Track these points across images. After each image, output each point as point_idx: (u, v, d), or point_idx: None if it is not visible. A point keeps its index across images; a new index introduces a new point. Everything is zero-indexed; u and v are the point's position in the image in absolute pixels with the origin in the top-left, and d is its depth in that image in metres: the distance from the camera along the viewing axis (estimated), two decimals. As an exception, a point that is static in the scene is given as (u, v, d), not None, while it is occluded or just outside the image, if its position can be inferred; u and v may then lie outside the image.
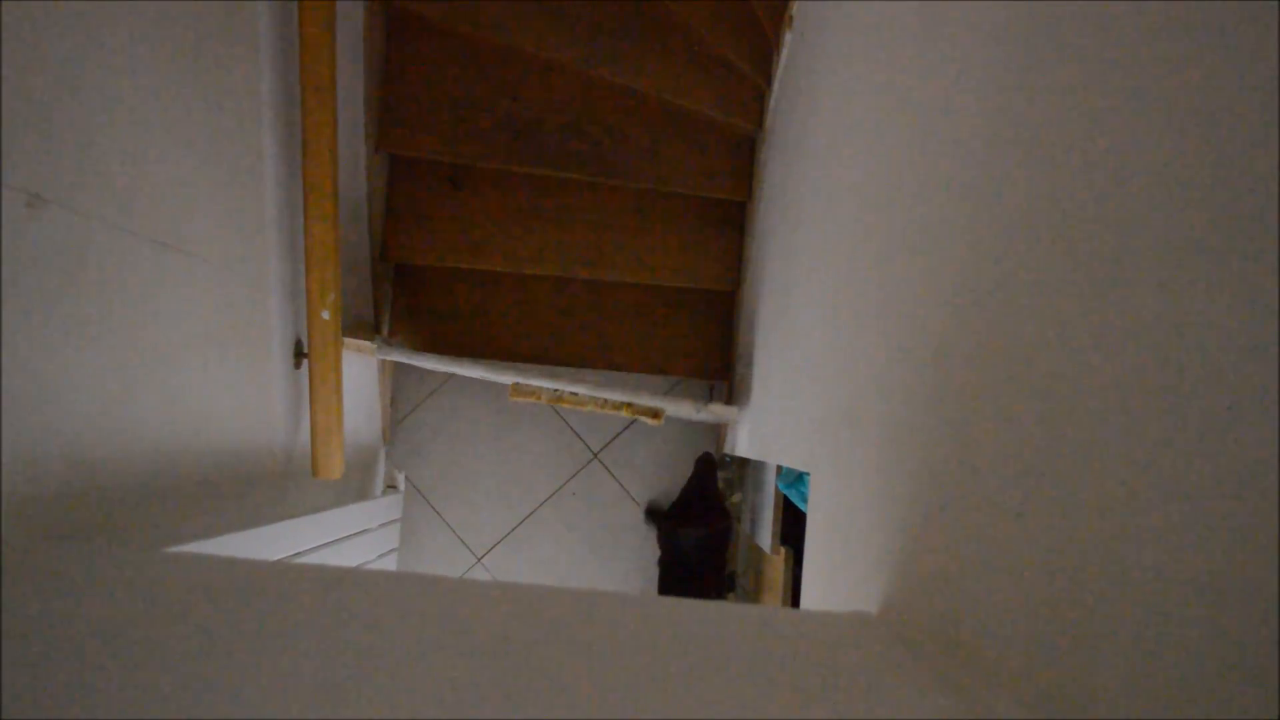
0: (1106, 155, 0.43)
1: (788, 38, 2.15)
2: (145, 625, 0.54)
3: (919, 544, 0.66)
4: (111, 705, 0.44)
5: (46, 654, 0.49)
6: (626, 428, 3.09)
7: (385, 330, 2.82)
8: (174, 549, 1.33)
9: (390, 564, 2.80)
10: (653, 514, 2.82)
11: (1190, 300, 0.35)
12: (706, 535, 2.61)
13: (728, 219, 2.79)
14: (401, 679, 0.49)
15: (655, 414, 2.43)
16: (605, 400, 2.37)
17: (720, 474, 2.88)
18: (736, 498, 2.91)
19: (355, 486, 2.68)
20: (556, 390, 2.34)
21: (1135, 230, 0.39)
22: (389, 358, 2.36)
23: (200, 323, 1.51)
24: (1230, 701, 0.31)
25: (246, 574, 0.67)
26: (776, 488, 2.19)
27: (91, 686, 0.46)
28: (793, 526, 2.20)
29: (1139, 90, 0.41)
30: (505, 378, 2.28)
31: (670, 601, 0.73)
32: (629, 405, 2.40)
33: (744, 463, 2.83)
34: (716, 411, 2.41)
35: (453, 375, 2.84)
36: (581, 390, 2.31)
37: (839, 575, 0.94)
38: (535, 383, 2.28)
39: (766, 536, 2.28)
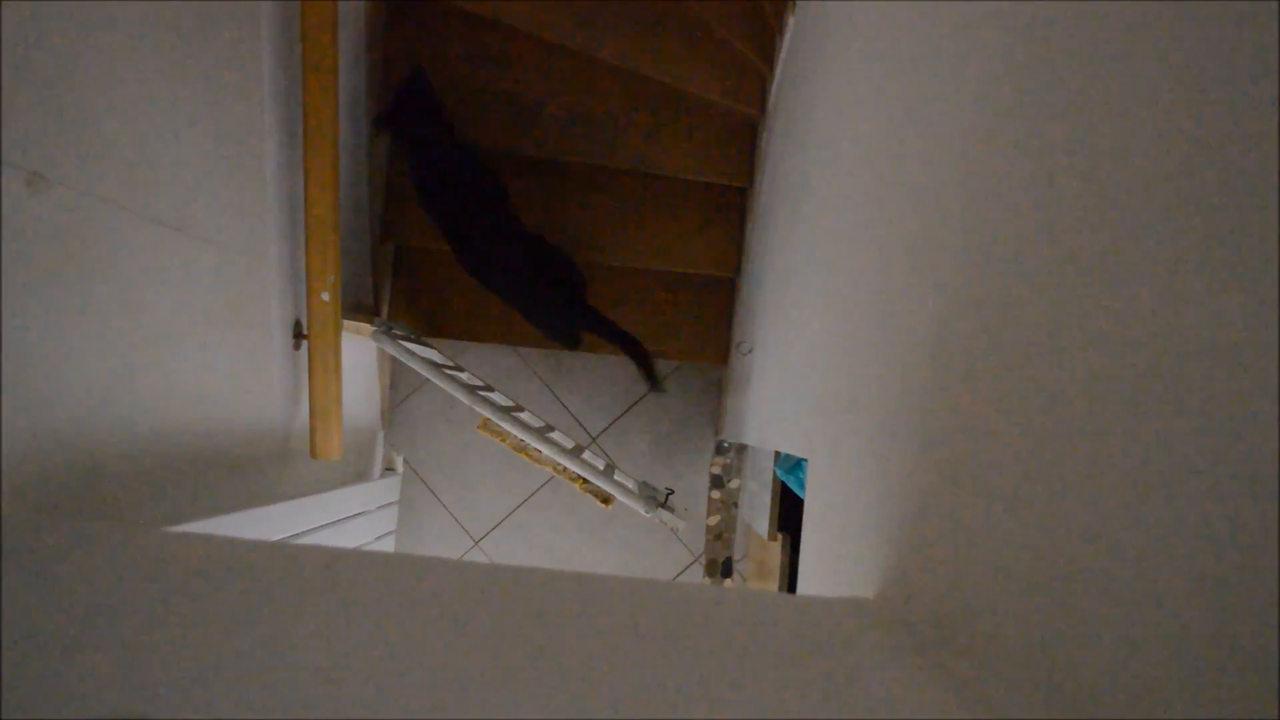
0: (1106, 141, 0.43)
1: (790, 21, 2.14)
2: (146, 604, 0.55)
3: (916, 530, 0.66)
4: (111, 683, 0.44)
5: (47, 631, 0.49)
6: (625, 412, 3.09)
7: (385, 312, 2.81)
8: (174, 528, 1.33)
9: (388, 546, 2.81)
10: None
11: (1189, 291, 0.35)
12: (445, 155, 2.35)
13: (728, 204, 2.79)
14: (401, 661, 0.49)
15: (606, 499, 2.42)
16: (564, 468, 2.35)
17: (718, 459, 2.88)
18: (734, 484, 2.91)
19: (353, 468, 2.68)
20: (522, 441, 2.32)
21: (1135, 218, 0.39)
22: (382, 346, 2.35)
23: (200, 303, 1.51)
24: (1228, 692, 0.31)
25: (247, 554, 0.68)
26: (774, 474, 2.20)
27: (91, 664, 0.46)
28: (790, 513, 2.20)
29: (1140, 81, 0.41)
30: (481, 408, 2.24)
31: (665, 585, 0.73)
32: (583, 482, 2.38)
33: (743, 449, 2.83)
34: (665, 518, 2.38)
35: (456, 356, 2.84)
36: (546, 450, 2.28)
37: (836, 561, 0.94)
38: (506, 426, 2.25)
39: (764, 522, 2.29)
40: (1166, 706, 0.34)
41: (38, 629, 0.49)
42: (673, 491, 2.54)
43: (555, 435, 2.34)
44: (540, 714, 0.45)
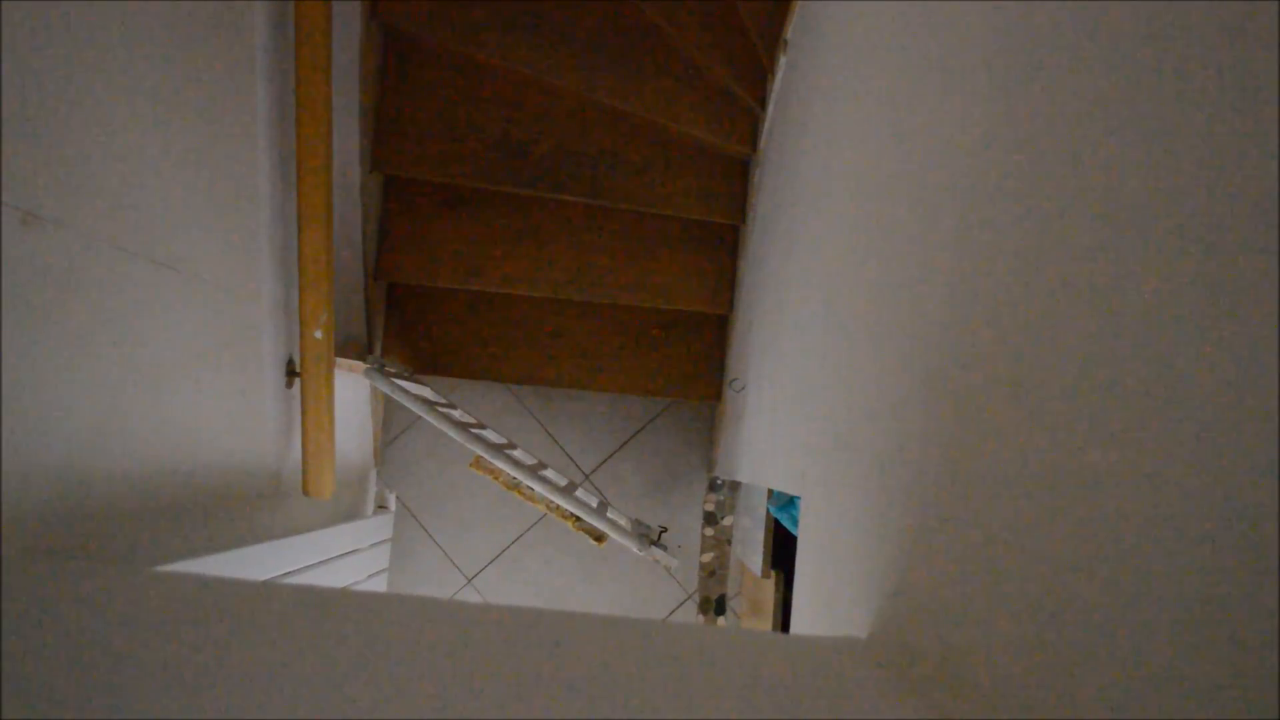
0: (1103, 170, 0.43)
1: (782, 61, 2.16)
2: (134, 645, 0.54)
3: (910, 568, 0.66)
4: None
5: (36, 673, 0.48)
6: (618, 449, 3.08)
7: (378, 350, 2.82)
8: (163, 568, 1.32)
9: (380, 584, 2.79)
10: None
11: (1187, 333, 0.35)
12: None
13: (721, 242, 2.81)
14: (393, 701, 0.49)
15: (599, 538, 2.42)
16: (557, 506, 2.36)
17: (712, 496, 2.88)
18: (728, 521, 2.90)
19: (346, 506, 2.67)
20: (515, 480, 2.33)
21: (1131, 252, 0.40)
22: (375, 384, 2.35)
23: (193, 341, 1.51)
24: None
25: (235, 594, 0.67)
26: (767, 511, 2.19)
27: (79, 706, 0.46)
28: (783, 549, 2.20)
29: (1140, 104, 0.41)
30: (474, 446, 2.24)
31: (658, 625, 0.73)
32: (576, 520, 2.38)
33: (736, 486, 2.83)
34: (659, 557, 2.38)
35: (450, 393, 2.84)
36: (539, 488, 2.28)
37: (830, 599, 0.94)
38: (499, 464, 2.25)
39: (757, 559, 2.28)
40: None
41: (28, 669, 0.49)
42: (666, 529, 2.52)
43: (548, 473, 2.34)
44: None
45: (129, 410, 1.31)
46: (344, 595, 0.68)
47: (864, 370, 0.88)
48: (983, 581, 0.52)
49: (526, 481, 2.26)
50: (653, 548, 2.34)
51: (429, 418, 2.22)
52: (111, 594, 0.65)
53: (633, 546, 2.33)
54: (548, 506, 2.42)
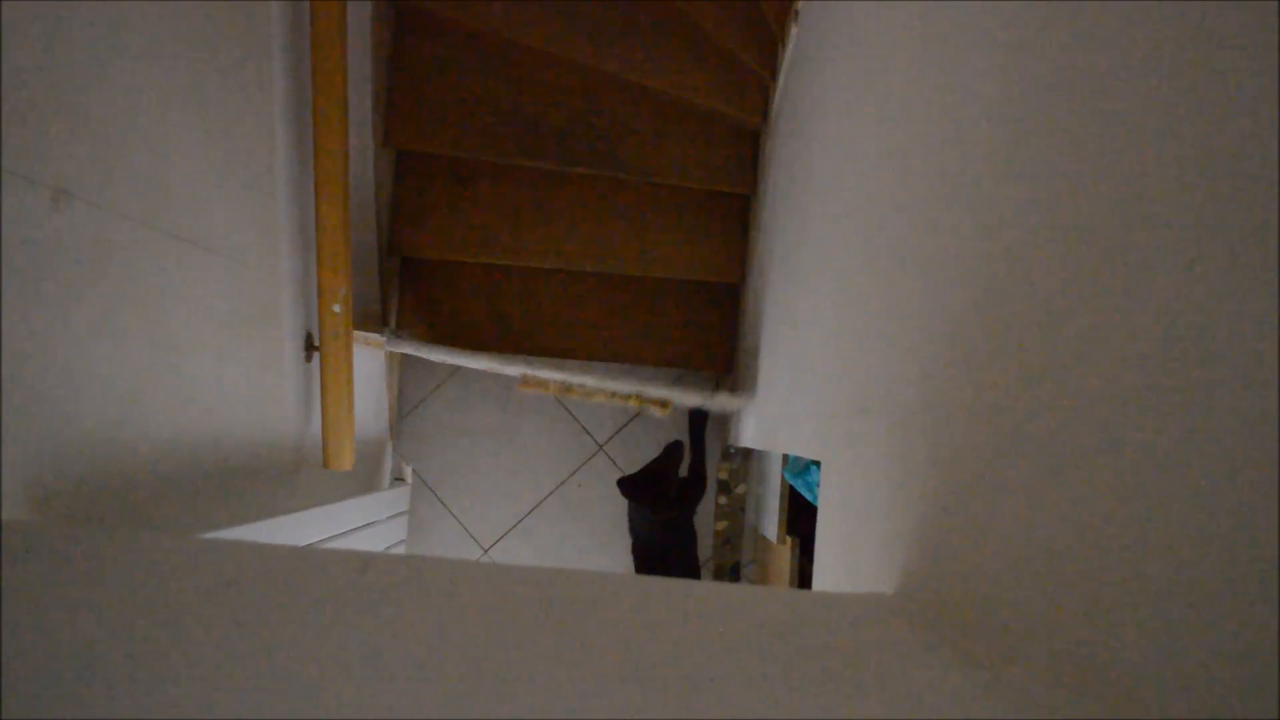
0: (1122, 135, 0.44)
1: (793, 31, 2.16)
2: (186, 608, 0.56)
3: (935, 525, 0.67)
4: (144, 690, 0.46)
5: (89, 638, 0.50)
6: (632, 419, 3.10)
7: (393, 323, 2.83)
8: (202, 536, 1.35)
9: (399, 555, 2.82)
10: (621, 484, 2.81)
11: (1209, 288, 0.36)
12: (654, 520, 2.61)
13: (732, 212, 2.81)
14: (444, 661, 0.51)
15: (663, 404, 2.48)
16: (614, 391, 2.42)
17: (725, 464, 2.90)
18: (741, 489, 2.92)
19: (364, 479, 2.70)
20: (565, 381, 2.39)
21: (1156, 214, 0.41)
22: (399, 350, 2.39)
23: (215, 315, 1.53)
24: (1252, 672, 0.32)
25: (281, 559, 0.69)
26: (782, 478, 2.21)
27: (125, 672, 0.47)
28: (798, 516, 2.22)
29: (1154, 78, 0.42)
30: (514, 369, 2.31)
31: (691, 584, 0.74)
32: (637, 396, 2.45)
33: (749, 453, 2.85)
34: (723, 402, 2.45)
35: (459, 369, 2.87)
36: (590, 381, 2.34)
37: (853, 560, 0.95)
38: (544, 374, 2.32)
39: (772, 526, 2.30)
40: (1206, 689, 0.35)
41: (76, 633, 0.51)
42: (719, 382, 2.70)
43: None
44: (569, 709, 0.46)
45: (155, 385, 1.33)
46: (386, 559, 0.70)
47: (887, 333, 0.89)
48: (1011, 531, 0.53)
49: (577, 381, 2.34)
50: (716, 396, 2.49)
51: (464, 363, 2.30)
52: (163, 559, 0.67)
53: (697, 401, 2.50)
54: (605, 395, 2.50)
